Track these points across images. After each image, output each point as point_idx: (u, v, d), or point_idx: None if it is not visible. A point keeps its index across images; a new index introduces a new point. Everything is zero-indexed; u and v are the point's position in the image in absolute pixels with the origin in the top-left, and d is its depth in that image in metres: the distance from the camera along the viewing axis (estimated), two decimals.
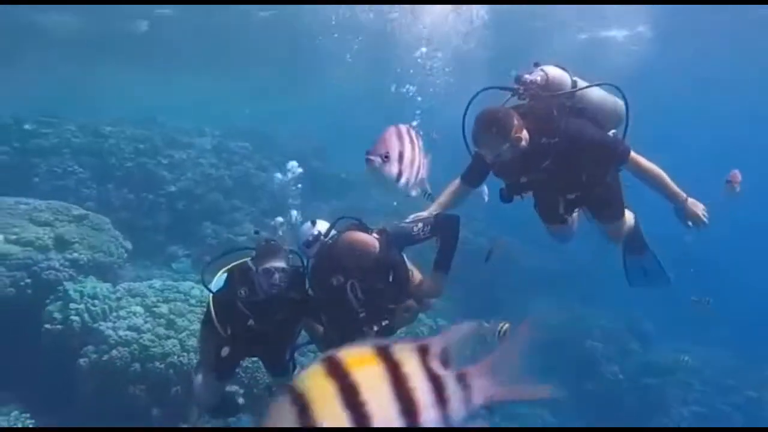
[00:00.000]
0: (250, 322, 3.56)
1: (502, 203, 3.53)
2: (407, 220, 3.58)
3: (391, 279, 3.46)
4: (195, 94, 19.28)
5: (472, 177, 3.68)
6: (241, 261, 3.72)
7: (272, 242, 3.66)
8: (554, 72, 3.34)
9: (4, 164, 10.16)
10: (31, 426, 5.79)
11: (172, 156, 12.57)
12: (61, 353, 6.34)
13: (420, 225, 3.48)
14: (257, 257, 3.52)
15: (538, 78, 3.29)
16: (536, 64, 3.39)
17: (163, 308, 6.84)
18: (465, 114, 3.43)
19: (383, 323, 3.54)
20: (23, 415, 5.86)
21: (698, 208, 3.44)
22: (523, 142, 3.11)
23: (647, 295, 15.61)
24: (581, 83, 3.37)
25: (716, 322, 14.54)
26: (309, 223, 3.69)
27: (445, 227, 3.54)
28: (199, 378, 3.90)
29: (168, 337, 6.55)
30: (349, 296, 3.44)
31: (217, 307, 3.65)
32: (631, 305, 14.82)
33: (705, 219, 3.44)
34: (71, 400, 6.15)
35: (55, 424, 5.98)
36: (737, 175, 4.15)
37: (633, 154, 3.35)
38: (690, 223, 3.43)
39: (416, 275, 3.72)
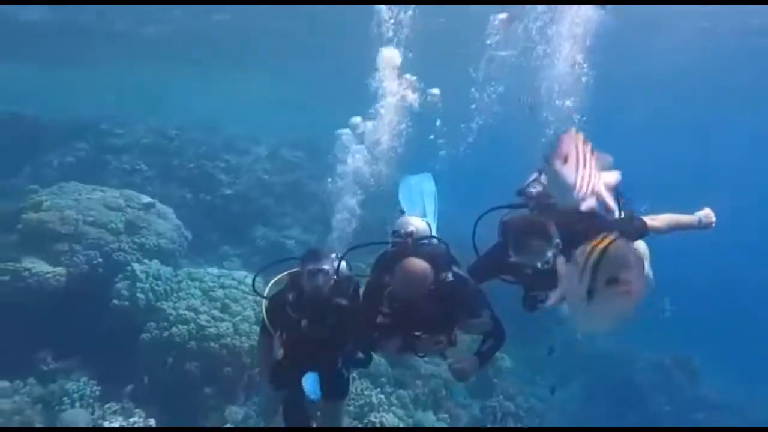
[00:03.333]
0: (302, 323, 3.62)
1: (526, 312, 3.59)
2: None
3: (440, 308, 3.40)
4: (256, 102, 20.13)
5: (480, 275, 3.64)
6: (295, 269, 3.81)
7: (320, 249, 3.76)
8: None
9: (82, 159, 11.03)
10: (97, 391, 6.21)
11: (229, 161, 13.24)
12: (126, 327, 6.80)
13: (487, 311, 3.52)
14: (304, 261, 3.62)
15: (540, 188, 3.40)
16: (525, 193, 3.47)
17: (219, 293, 7.25)
18: (475, 227, 3.57)
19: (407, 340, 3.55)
20: (91, 381, 6.30)
21: (710, 218, 3.80)
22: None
23: (694, 331, 15.19)
24: None
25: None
26: (407, 218, 3.79)
27: (500, 333, 3.60)
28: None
29: (222, 320, 6.93)
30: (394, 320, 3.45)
31: (269, 310, 3.79)
32: (677, 339, 14.37)
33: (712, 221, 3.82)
34: (134, 371, 6.57)
35: (118, 391, 6.42)
36: None
37: (648, 222, 3.48)
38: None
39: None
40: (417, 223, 3.78)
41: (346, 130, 5.63)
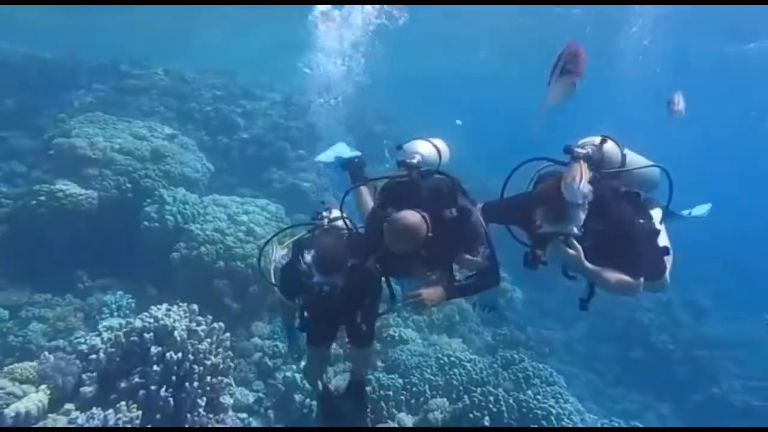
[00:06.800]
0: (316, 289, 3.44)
1: (525, 267, 3.33)
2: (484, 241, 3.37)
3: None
4: (272, 49, 20.04)
5: (493, 216, 3.48)
6: (303, 234, 3.86)
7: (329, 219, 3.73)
8: (607, 147, 3.18)
9: (102, 100, 11.19)
10: (132, 303, 6.57)
11: (245, 106, 13.37)
12: (157, 247, 7.12)
13: (485, 250, 3.33)
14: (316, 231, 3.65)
15: (590, 151, 3.10)
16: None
17: (244, 217, 7.54)
18: (510, 174, 3.34)
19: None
20: (126, 295, 6.66)
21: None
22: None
23: (702, 272, 15.41)
24: (631, 157, 3.24)
25: None
26: (416, 143, 3.62)
27: (493, 275, 3.43)
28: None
29: (248, 242, 7.24)
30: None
31: (281, 279, 3.73)
32: (684, 279, 14.61)
33: None
34: (166, 287, 6.92)
35: (150, 306, 6.77)
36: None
37: (666, 276, 3.24)
38: None
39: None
40: (426, 149, 3.59)
41: None
